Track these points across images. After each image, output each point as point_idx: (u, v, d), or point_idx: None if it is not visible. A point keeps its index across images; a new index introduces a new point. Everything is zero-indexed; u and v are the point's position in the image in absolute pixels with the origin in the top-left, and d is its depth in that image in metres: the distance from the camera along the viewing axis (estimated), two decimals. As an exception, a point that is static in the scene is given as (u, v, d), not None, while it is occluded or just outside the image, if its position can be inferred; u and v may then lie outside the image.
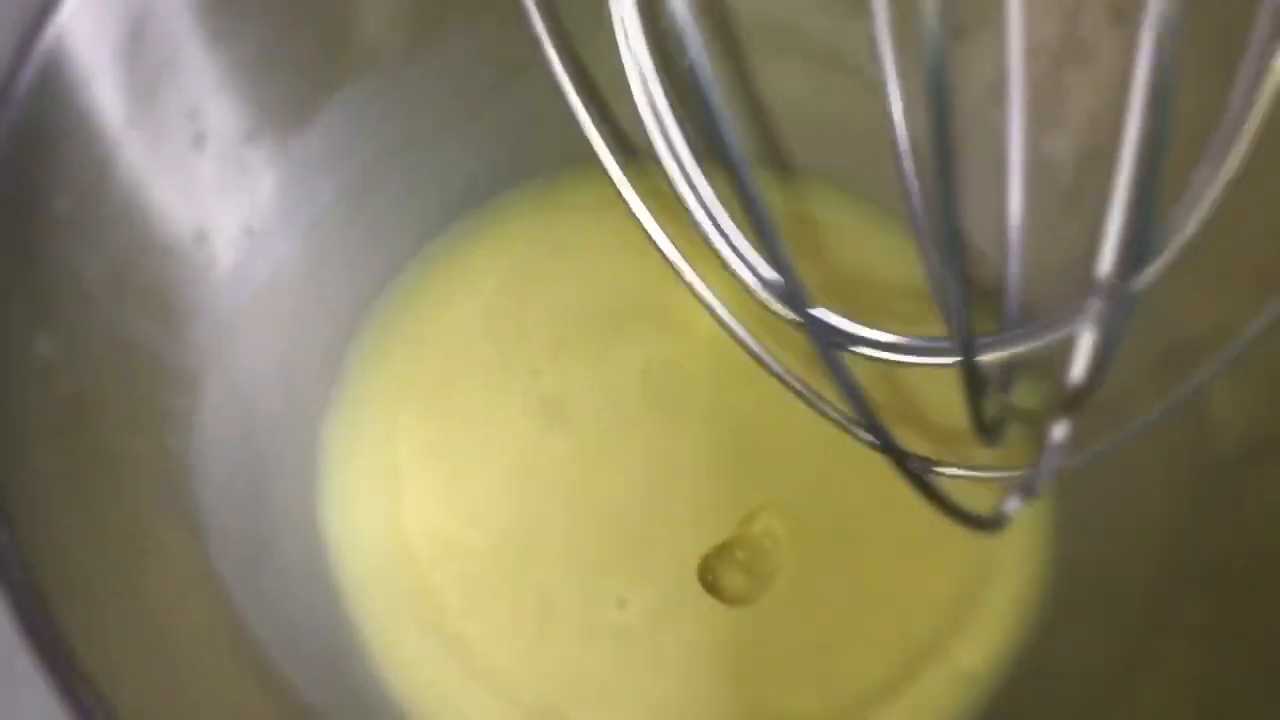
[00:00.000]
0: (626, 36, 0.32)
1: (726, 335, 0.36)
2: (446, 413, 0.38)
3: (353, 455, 0.37)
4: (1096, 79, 0.33)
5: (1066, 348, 0.26)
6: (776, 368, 0.35)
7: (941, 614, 0.36)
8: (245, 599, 0.32)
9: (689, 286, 0.35)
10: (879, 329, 0.32)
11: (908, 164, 0.33)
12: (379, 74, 0.35)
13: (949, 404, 0.31)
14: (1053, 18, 0.33)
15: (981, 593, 0.36)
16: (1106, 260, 0.25)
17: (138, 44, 0.29)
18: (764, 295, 0.32)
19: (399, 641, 0.36)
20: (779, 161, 0.40)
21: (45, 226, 0.28)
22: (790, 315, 0.31)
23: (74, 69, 0.28)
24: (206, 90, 0.31)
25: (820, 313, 0.31)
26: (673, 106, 0.33)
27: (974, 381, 0.28)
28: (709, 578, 0.36)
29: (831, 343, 0.31)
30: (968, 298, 0.25)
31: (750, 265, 0.33)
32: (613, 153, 0.35)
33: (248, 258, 0.34)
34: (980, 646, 0.35)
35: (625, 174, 0.35)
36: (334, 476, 0.37)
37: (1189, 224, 0.26)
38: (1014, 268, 0.34)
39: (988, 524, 0.30)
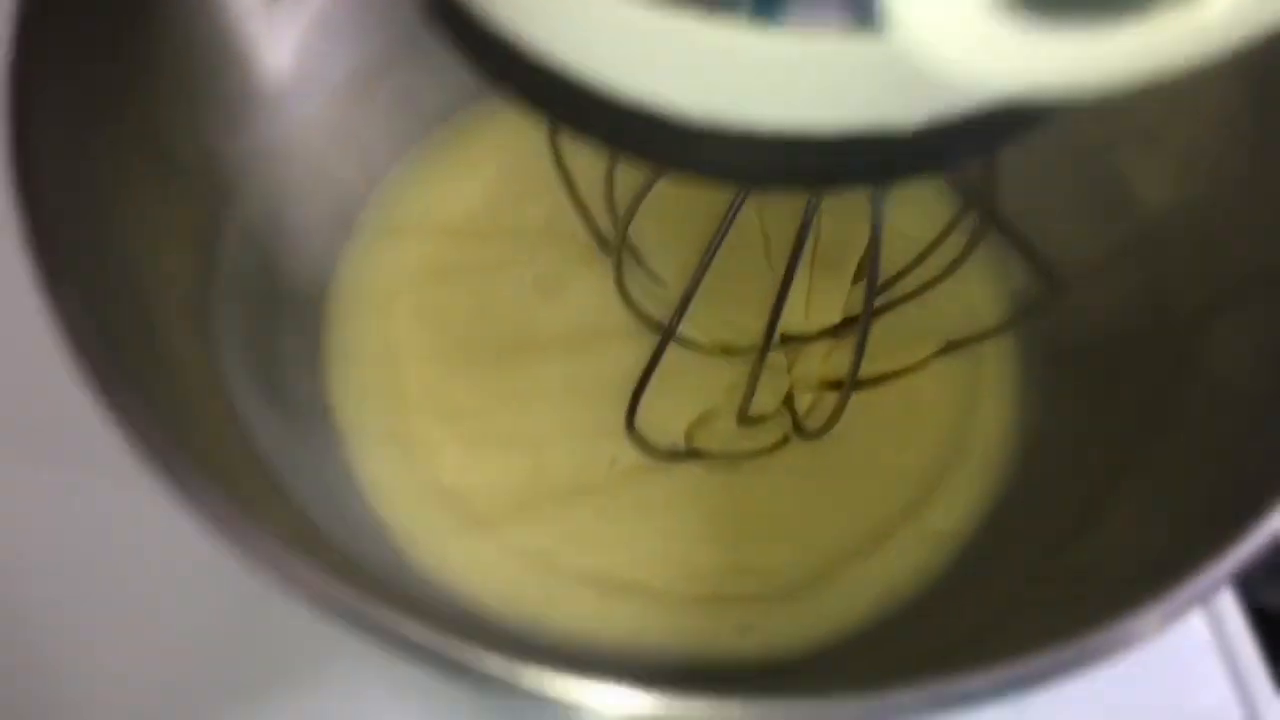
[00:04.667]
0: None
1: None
2: (446, 284, 0.40)
3: (358, 313, 0.39)
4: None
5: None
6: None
7: (916, 483, 0.38)
8: (258, 431, 0.33)
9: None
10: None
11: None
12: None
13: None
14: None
15: (954, 463, 0.38)
16: None
17: None
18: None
19: (398, 490, 0.37)
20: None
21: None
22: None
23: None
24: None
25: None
26: None
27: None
28: (695, 442, 0.38)
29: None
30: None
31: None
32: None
33: (289, 93, 0.36)
34: (952, 509, 0.37)
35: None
36: (339, 331, 0.38)
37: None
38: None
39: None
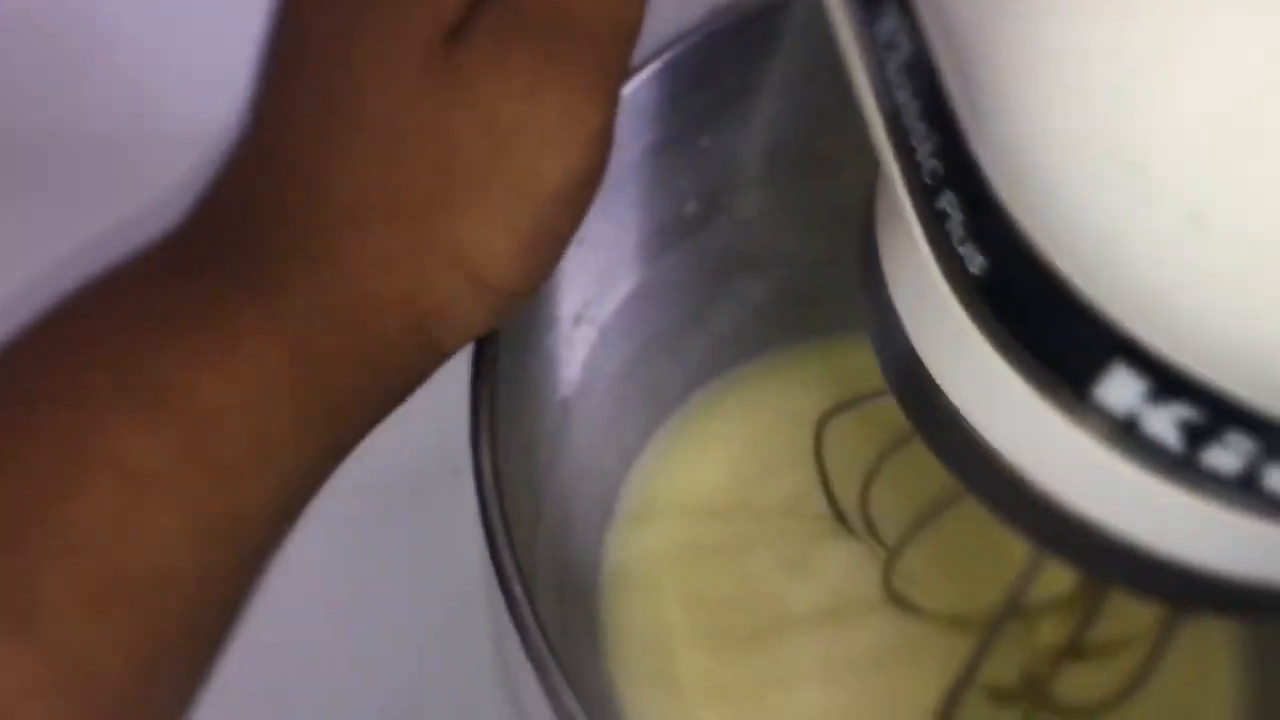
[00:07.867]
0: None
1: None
2: (703, 566, 0.43)
3: (626, 607, 0.42)
4: None
5: None
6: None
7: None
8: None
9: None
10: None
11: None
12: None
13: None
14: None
15: None
16: None
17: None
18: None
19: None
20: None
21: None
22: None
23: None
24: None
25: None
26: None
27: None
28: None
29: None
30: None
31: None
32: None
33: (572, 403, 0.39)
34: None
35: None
36: (611, 626, 0.41)
37: None
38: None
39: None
